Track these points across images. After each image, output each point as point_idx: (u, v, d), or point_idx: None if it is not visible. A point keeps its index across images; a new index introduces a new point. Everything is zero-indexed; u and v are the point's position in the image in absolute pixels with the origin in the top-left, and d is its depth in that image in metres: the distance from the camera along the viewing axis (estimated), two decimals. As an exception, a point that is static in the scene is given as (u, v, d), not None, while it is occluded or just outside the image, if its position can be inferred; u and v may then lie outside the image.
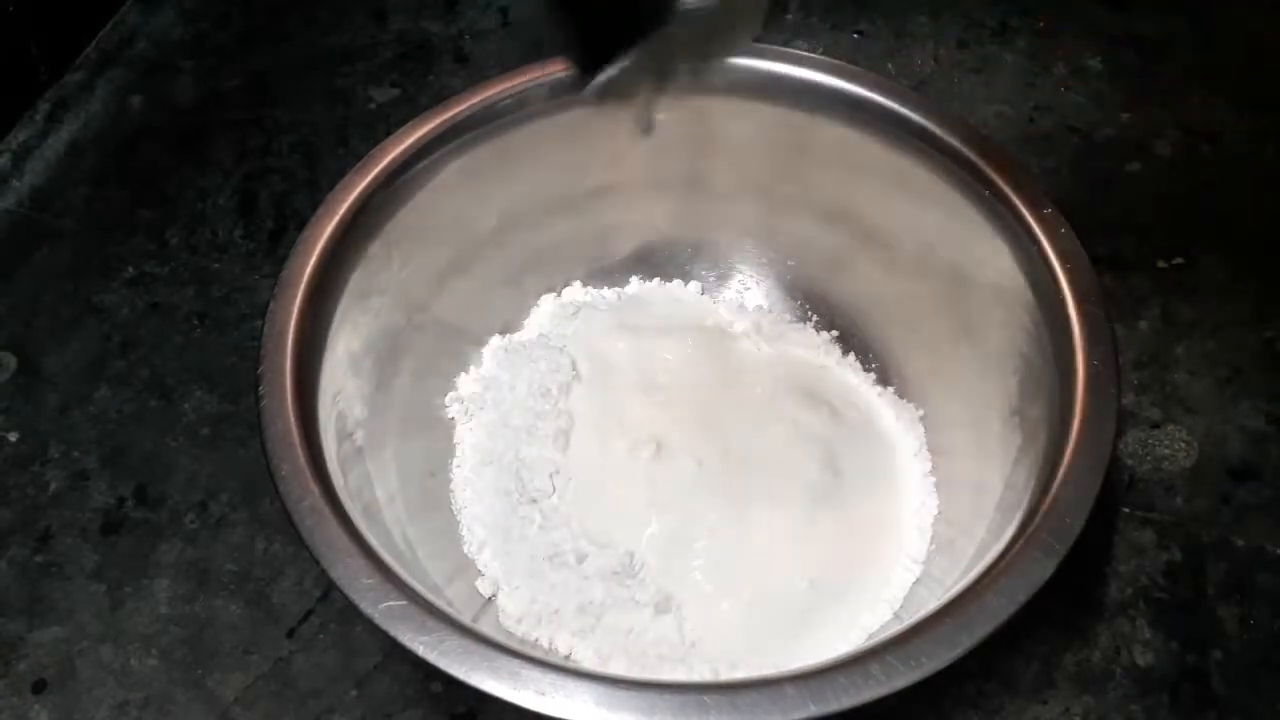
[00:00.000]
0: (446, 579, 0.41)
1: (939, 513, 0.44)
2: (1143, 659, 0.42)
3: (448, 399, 0.48)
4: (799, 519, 0.43)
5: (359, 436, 0.42)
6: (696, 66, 0.33)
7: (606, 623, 0.41)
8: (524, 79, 0.46)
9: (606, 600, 0.41)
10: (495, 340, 0.50)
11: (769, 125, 0.47)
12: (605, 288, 0.52)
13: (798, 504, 0.44)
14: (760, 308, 0.51)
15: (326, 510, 0.35)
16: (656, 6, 0.31)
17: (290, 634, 0.44)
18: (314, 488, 0.36)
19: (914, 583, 0.43)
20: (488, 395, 0.48)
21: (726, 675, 0.40)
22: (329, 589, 0.44)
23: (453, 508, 0.45)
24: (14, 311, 0.54)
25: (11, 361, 0.52)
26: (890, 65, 0.62)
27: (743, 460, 0.45)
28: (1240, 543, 0.45)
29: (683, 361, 0.48)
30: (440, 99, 0.46)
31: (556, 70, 0.46)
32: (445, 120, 0.45)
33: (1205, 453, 0.47)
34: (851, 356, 0.50)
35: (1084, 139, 0.58)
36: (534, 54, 0.60)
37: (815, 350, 0.50)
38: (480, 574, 0.43)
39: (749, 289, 0.52)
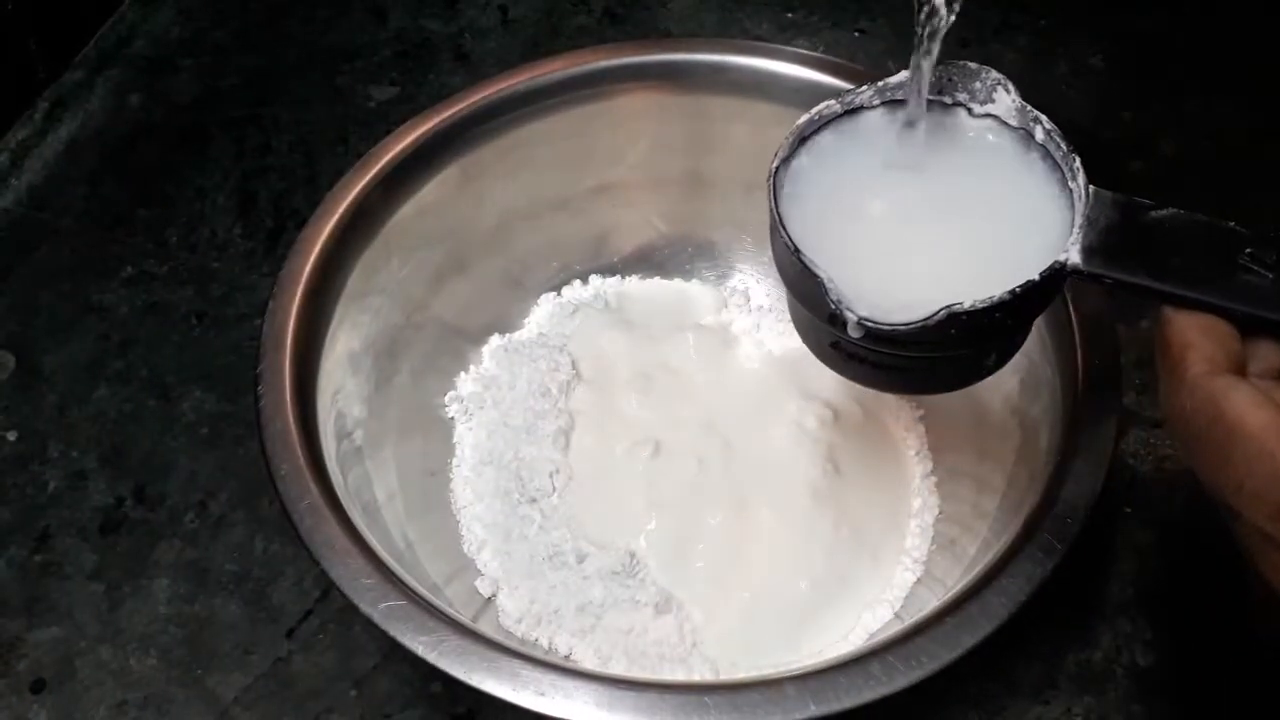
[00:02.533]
0: (446, 579, 0.41)
1: (940, 512, 0.44)
2: (1144, 659, 0.42)
3: (447, 398, 0.48)
4: (799, 519, 0.43)
5: (358, 436, 0.42)
6: None
7: (606, 623, 0.41)
8: (523, 78, 0.46)
9: (606, 600, 0.41)
10: (495, 339, 0.50)
11: (769, 124, 0.46)
12: (605, 287, 0.52)
13: (798, 504, 0.44)
14: (760, 307, 0.51)
15: (326, 510, 0.35)
16: None
17: (289, 634, 0.44)
18: (313, 487, 0.36)
19: (915, 582, 0.43)
20: (487, 395, 0.47)
21: (726, 675, 0.40)
22: (328, 589, 0.44)
23: (452, 507, 0.45)
24: (12, 311, 0.53)
25: (10, 361, 0.52)
26: (891, 64, 0.62)
27: (743, 460, 0.45)
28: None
29: (683, 361, 0.48)
30: (440, 98, 0.46)
31: (555, 69, 0.46)
32: (445, 119, 0.45)
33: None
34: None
35: (1086, 138, 0.58)
36: (534, 52, 0.60)
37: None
38: (480, 574, 0.43)
39: (749, 288, 0.52)
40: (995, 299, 0.28)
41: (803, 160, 0.33)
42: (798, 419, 0.46)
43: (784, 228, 0.31)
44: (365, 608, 0.33)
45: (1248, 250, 0.28)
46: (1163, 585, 0.44)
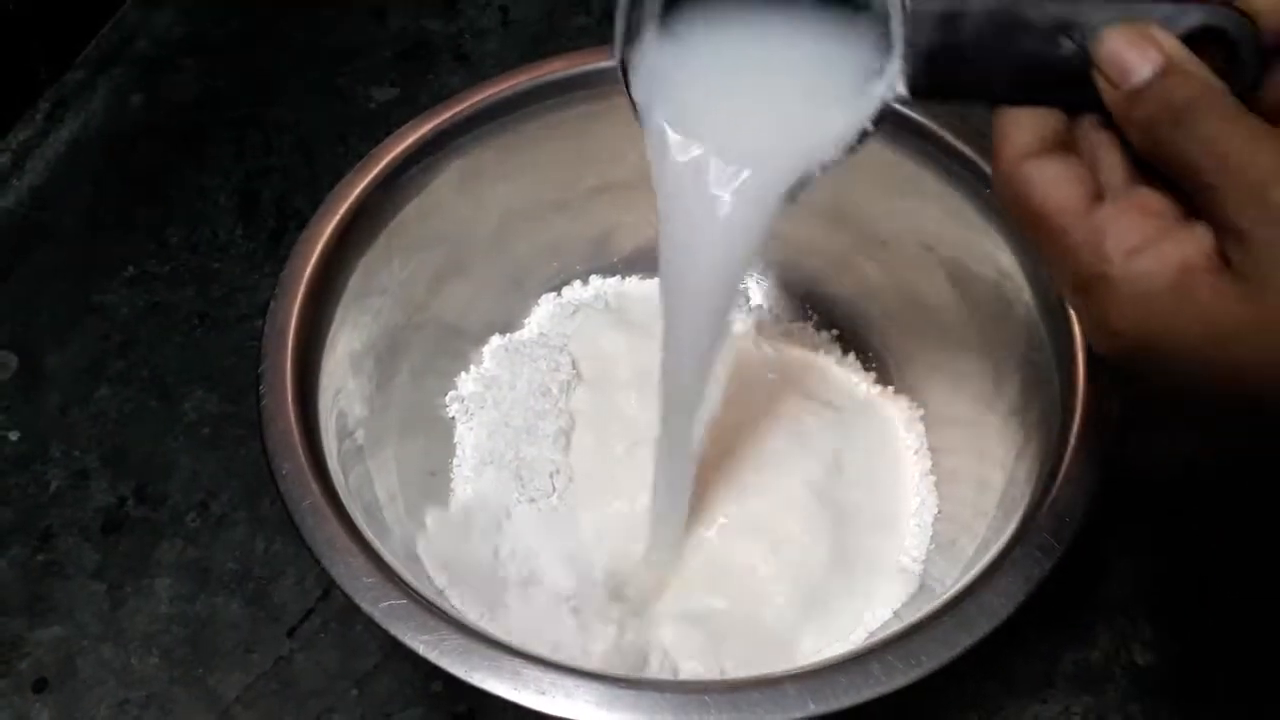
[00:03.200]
0: (447, 578, 0.41)
1: (939, 511, 0.44)
2: (1142, 658, 0.42)
3: (448, 398, 0.48)
4: (799, 519, 0.43)
5: (359, 436, 0.42)
6: None
7: (607, 622, 0.41)
8: (524, 78, 0.46)
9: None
10: (495, 340, 0.50)
11: (769, 124, 0.47)
12: (605, 287, 0.52)
13: (798, 504, 0.44)
14: (760, 307, 0.51)
15: (327, 509, 0.35)
16: None
17: (291, 633, 0.44)
18: (314, 487, 0.36)
19: (915, 582, 0.43)
20: (488, 395, 0.48)
21: (727, 675, 0.40)
22: (329, 588, 0.44)
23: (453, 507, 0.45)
24: (14, 311, 0.54)
25: (12, 361, 0.52)
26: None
27: (744, 460, 0.45)
28: (1240, 542, 0.45)
29: (683, 361, 0.48)
30: (440, 98, 0.46)
31: (555, 69, 0.46)
32: (445, 119, 0.45)
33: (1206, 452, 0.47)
34: (852, 356, 0.50)
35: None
36: (534, 53, 0.60)
37: (816, 350, 0.50)
38: (480, 573, 0.43)
39: (749, 288, 0.52)
40: (839, 160, 0.30)
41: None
42: (798, 419, 0.46)
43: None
44: (366, 607, 0.33)
45: (1070, 32, 0.27)
46: (1162, 585, 0.44)
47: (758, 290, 0.51)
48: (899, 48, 0.29)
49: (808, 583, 0.42)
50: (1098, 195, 0.26)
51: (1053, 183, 0.26)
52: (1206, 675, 0.42)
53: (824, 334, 0.50)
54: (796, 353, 0.49)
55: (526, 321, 0.51)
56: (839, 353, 0.50)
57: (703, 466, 0.45)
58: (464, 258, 0.48)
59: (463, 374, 0.49)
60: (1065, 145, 0.27)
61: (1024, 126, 0.27)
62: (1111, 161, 0.27)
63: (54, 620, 0.44)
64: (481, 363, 0.49)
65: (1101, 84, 0.26)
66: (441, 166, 0.45)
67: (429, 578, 0.40)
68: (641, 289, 0.52)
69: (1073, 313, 0.26)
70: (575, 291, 0.51)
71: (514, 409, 0.46)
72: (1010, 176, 0.27)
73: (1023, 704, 0.41)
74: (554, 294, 0.51)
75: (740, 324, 0.50)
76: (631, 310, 0.51)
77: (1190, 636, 0.43)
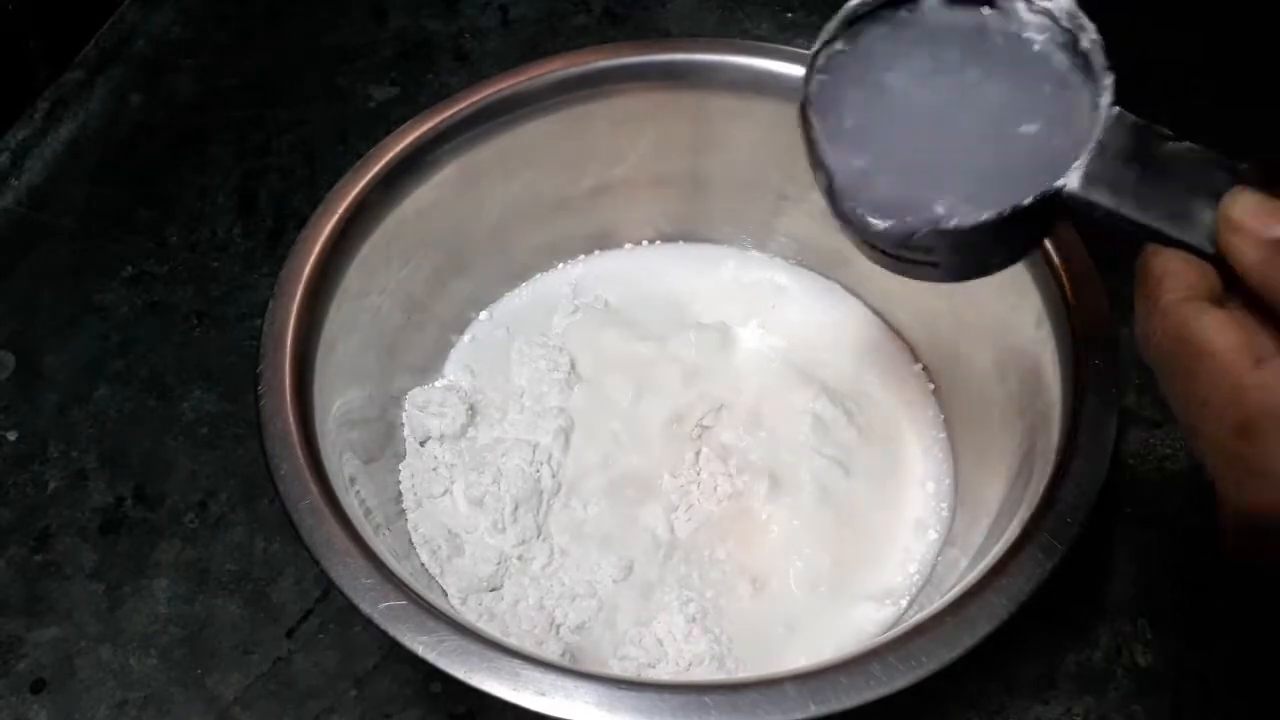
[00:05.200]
0: (446, 579, 0.41)
1: (941, 512, 0.44)
2: (1144, 659, 0.42)
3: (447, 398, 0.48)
4: (801, 518, 0.43)
5: (358, 436, 0.42)
6: None
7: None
8: (523, 78, 0.46)
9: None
10: (495, 339, 0.50)
11: (769, 123, 0.47)
12: (605, 285, 0.52)
13: (800, 503, 0.44)
14: (761, 306, 0.51)
15: (325, 510, 0.35)
16: None
17: (289, 634, 0.44)
18: (313, 487, 0.36)
19: (915, 581, 0.43)
20: (487, 394, 0.47)
21: (727, 675, 0.40)
22: (328, 589, 0.44)
23: (452, 507, 0.45)
24: (13, 311, 0.53)
25: (10, 360, 0.52)
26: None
27: (744, 460, 0.45)
28: (1242, 542, 0.45)
29: (683, 360, 0.48)
30: (440, 97, 0.46)
31: (555, 69, 0.46)
32: (445, 119, 0.45)
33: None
34: (860, 353, 0.49)
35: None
36: (534, 53, 0.60)
37: (826, 345, 0.50)
38: (480, 573, 0.43)
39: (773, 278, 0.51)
40: (981, 220, 0.28)
41: (846, 46, 0.33)
42: (798, 419, 0.46)
43: (807, 114, 0.31)
44: (365, 608, 0.33)
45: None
46: (1163, 585, 0.44)
47: (781, 276, 0.51)
48: (1091, 142, 0.29)
49: (809, 582, 0.42)
50: (1259, 356, 0.26)
51: (1220, 324, 0.26)
52: (1207, 675, 0.42)
53: (835, 330, 0.50)
54: (797, 353, 0.49)
55: (526, 321, 0.50)
56: (847, 349, 0.49)
57: (705, 467, 0.45)
58: (463, 257, 0.48)
59: (461, 373, 0.48)
60: (1219, 302, 0.27)
61: (1192, 267, 0.27)
62: (1265, 336, 0.27)
63: (52, 621, 0.44)
64: (481, 362, 0.49)
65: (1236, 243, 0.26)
66: (441, 166, 0.45)
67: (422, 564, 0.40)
68: (641, 289, 0.52)
69: (1216, 468, 0.26)
70: (574, 290, 0.51)
71: (513, 409, 0.46)
72: (1173, 313, 0.27)
73: (1024, 705, 0.41)
74: (553, 293, 0.51)
75: (741, 323, 0.50)
76: (631, 310, 0.50)
77: (1191, 637, 0.43)
